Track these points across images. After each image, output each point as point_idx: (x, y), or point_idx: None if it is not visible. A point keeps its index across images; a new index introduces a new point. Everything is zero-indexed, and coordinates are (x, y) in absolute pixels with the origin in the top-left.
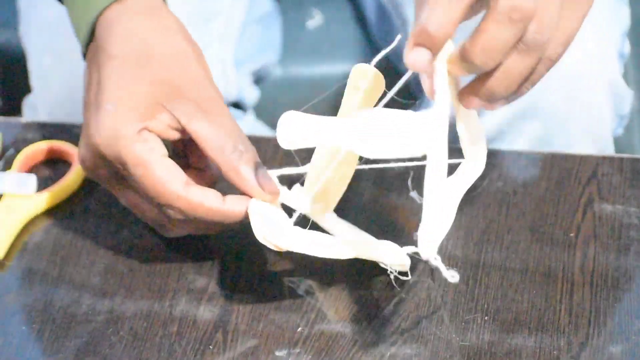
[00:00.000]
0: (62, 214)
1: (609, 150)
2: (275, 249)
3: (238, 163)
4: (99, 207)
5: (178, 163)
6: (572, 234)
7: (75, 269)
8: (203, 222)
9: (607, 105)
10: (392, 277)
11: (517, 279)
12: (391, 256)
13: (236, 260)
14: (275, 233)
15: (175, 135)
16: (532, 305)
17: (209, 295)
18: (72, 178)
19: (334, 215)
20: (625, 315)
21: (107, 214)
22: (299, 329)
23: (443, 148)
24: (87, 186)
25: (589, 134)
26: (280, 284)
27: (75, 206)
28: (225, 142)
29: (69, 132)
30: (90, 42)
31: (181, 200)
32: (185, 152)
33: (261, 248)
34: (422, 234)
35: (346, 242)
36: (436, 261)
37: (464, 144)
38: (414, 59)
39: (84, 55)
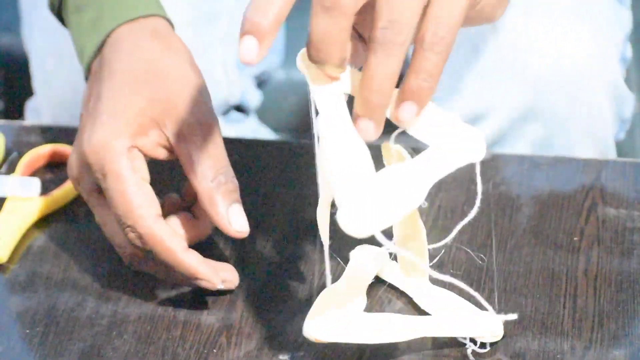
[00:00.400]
0: (65, 217)
1: (611, 153)
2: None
3: (214, 193)
4: None
5: (181, 202)
6: (575, 238)
7: (79, 273)
8: (160, 261)
9: (608, 109)
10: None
11: (520, 283)
12: (483, 327)
13: (240, 264)
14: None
15: (163, 154)
16: (535, 309)
17: (212, 298)
18: None
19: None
20: (629, 319)
21: None
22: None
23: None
24: None
25: (590, 137)
26: (283, 287)
27: (79, 209)
28: (208, 169)
29: (72, 135)
30: (93, 60)
31: (145, 228)
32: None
33: (264, 252)
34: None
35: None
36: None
37: (423, 134)
38: (242, 50)
39: (86, 75)
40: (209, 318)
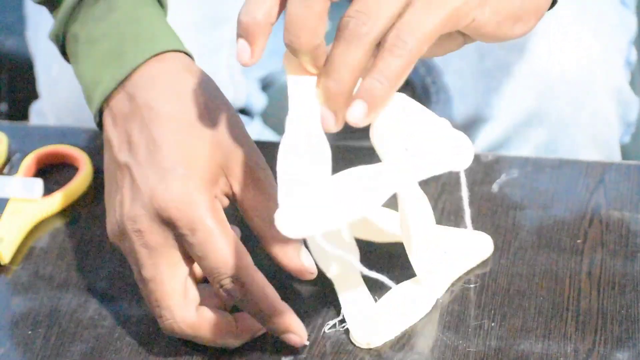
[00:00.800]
0: (68, 218)
1: (616, 157)
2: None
3: (285, 239)
4: (105, 212)
5: None
6: (579, 241)
7: (82, 274)
8: (254, 310)
9: (613, 113)
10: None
11: (524, 286)
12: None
13: None
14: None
15: (226, 202)
16: (539, 311)
17: None
18: (78, 183)
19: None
20: (632, 322)
21: None
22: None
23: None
24: (93, 191)
25: (595, 141)
26: (286, 289)
27: (82, 211)
28: (272, 214)
29: (75, 136)
30: (112, 94)
31: (249, 276)
32: None
33: (266, 256)
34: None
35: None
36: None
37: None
38: (237, 52)
39: (101, 109)
40: None
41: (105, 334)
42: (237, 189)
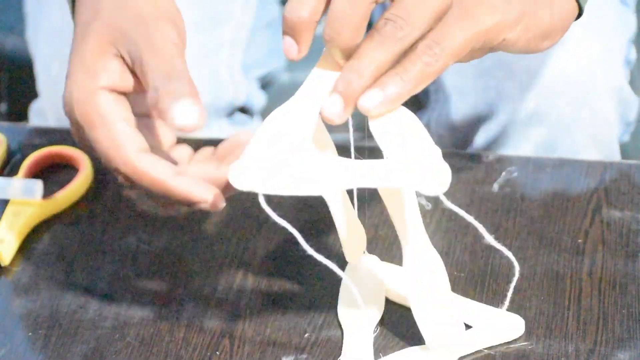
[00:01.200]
0: (68, 219)
1: (615, 156)
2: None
3: (153, 102)
4: (105, 213)
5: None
6: (580, 240)
7: (82, 275)
8: (154, 193)
9: (613, 112)
10: None
11: (524, 285)
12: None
13: (243, 266)
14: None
15: (129, 81)
16: (539, 311)
17: (215, 301)
18: (79, 183)
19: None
20: (634, 321)
21: (114, 220)
22: (306, 335)
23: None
24: (94, 192)
25: (595, 140)
26: (287, 289)
27: (82, 212)
28: (148, 81)
29: None
30: None
31: (127, 166)
32: None
33: (268, 254)
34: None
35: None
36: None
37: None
38: (284, 48)
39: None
40: (212, 321)
41: (106, 334)
42: (130, 62)
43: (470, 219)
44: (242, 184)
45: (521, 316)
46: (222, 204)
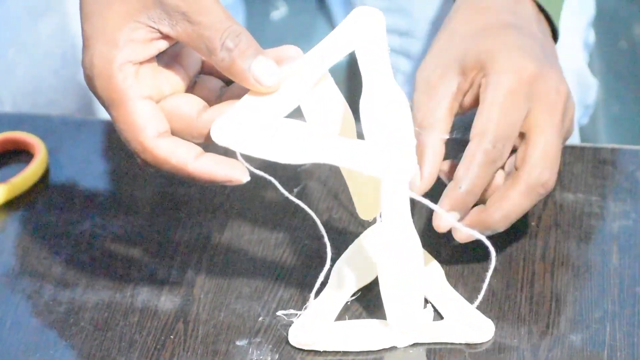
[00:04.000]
0: (23, 205)
1: (575, 139)
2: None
3: (228, 63)
4: (61, 198)
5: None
6: (533, 223)
7: (37, 260)
8: (176, 176)
9: (573, 95)
10: None
11: (478, 268)
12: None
13: (197, 251)
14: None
15: (162, 45)
16: (492, 293)
17: (170, 285)
18: (34, 169)
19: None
20: (586, 303)
21: (69, 205)
22: (260, 319)
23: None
24: (49, 177)
25: None
26: (241, 273)
27: (37, 197)
28: (211, 42)
29: (31, 122)
30: None
31: (147, 152)
32: None
33: (222, 238)
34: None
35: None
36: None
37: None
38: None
39: None
40: (167, 304)
41: (60, 319)
42: (166, 30)
43: (434, 206)
44: (221, 139)
45: (473, 298)
46: (246, 178)
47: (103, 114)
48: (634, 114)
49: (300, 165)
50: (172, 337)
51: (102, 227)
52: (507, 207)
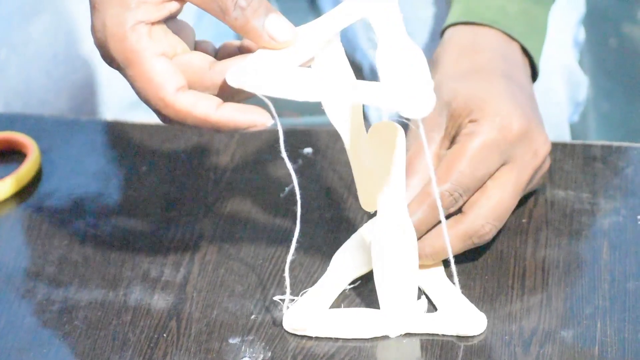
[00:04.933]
0: (16, 204)
1: (565, 137)
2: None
3: (242, 21)
4: (53, 198)
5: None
6: (524, 220)
7: (30, 259)
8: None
9: (563, 92)
10: None
11: (469, 265)
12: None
13: (190, 249)
14: (258, 76)
15: (172, 7)
16: (484, 290)
17: (162, 284)
18: (26, 169)
19: None
20: (577, 299)
21: (62, 205)
22: (253, 317)
23: None
24: (42, 177)
25: (545, 120)
26: (233, 272)
27: (30, 197)
28: (224, 3)
29: (24, 122)
30: None
31: (169, 108)
32: None
33: (214, 237)
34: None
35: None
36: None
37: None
38: None
39: None
40: (159, 303)
41: (54, 318)
42: None
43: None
44: (237, 82)
45: (465, 295)
46: (270, 121)
47: (95, 114)
48: (624, 111)
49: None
50: (165, 335)
51: (95, 227)
52: (439, 246)
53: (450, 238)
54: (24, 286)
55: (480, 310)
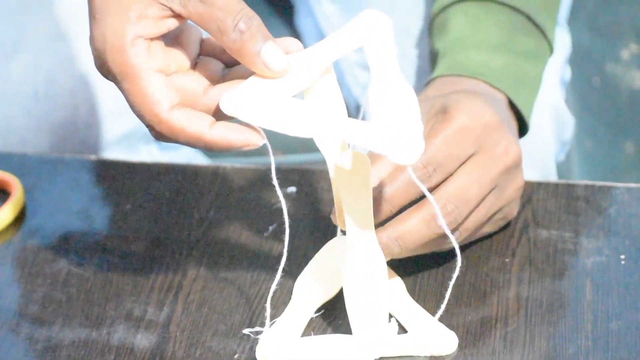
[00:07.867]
0: (0, 242)
1: (552, 176)
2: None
3: (239, 44)
4: (37, 236)
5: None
6: (507, 259)
7: (13, 298)
8: (192, 146)
9: (550, 131)
10: None
11: (452, 304)
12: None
13: (173, 288)
14: (250, 105)
15: (171, 24)
16: (466, 330)
17: (146, 323)
18: (10, 208)
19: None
20: (560, 339)
21: (45, 243)
22: (236, 356)
23: None
24: (25, 216)
25: (532, 159)
26: (217, 311)
27: (13, 235)
28: (223, 23)
29: (7, 161)
30: None
31: (162, 124)
32: None
33: (198, 276)
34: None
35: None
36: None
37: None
38: None
39: None
40: (142, 342)
41: (37, 357)
42: (178, 9)
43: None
44: (231, 110)
45: (435, 314)
46: (263, 141)
47: (75, 153)
48: (607, 150)
49: (274, 204)
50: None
51: (79, 265)
52: (402, 229)
53: (415, 222)
54: (7, 325)
55: (463, 350)
